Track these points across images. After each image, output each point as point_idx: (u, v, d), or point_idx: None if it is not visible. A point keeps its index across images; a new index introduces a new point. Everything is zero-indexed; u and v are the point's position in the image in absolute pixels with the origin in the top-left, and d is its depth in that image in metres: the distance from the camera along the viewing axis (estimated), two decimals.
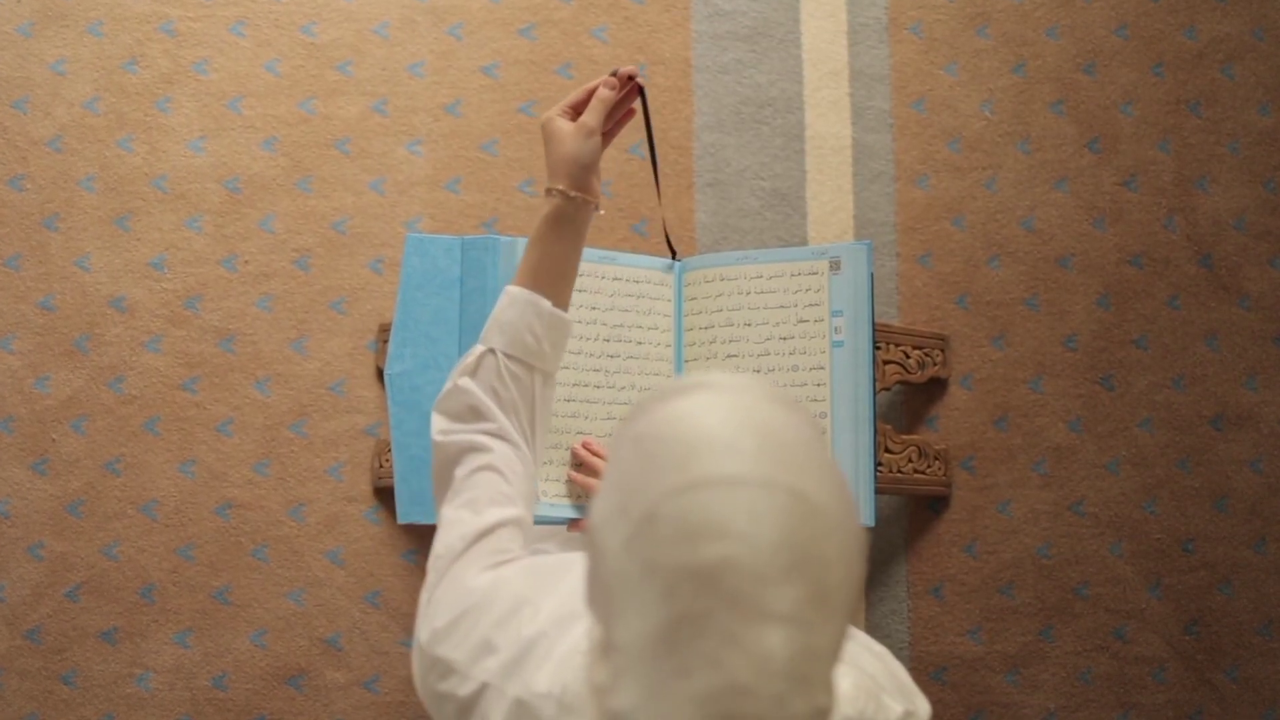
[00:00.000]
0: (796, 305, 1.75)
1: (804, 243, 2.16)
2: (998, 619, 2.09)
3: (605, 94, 1.49)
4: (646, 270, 1.82)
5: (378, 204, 2.17)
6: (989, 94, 2.20)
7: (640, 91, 1.55)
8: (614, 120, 1.54)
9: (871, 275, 1.73)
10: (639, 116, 1.58)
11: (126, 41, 2.19)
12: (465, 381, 1.40)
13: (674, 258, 1.77)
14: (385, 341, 2.02)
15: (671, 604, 0.89)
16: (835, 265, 1.74)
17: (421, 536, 2.10)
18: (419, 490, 1.74)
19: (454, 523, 1.31)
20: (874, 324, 1.73)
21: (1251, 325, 2.14)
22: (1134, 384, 2.13)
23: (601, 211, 1.50)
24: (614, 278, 1.79)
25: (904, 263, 2.16)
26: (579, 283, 1.74)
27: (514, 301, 1.44)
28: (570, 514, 1.73)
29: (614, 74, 1.51)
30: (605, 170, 2.16)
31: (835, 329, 1.73)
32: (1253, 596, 2.10)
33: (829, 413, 1.71)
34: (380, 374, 2.09)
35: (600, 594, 0.95)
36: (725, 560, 0.88)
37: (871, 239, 2.14)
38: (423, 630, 1.25)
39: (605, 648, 0.96)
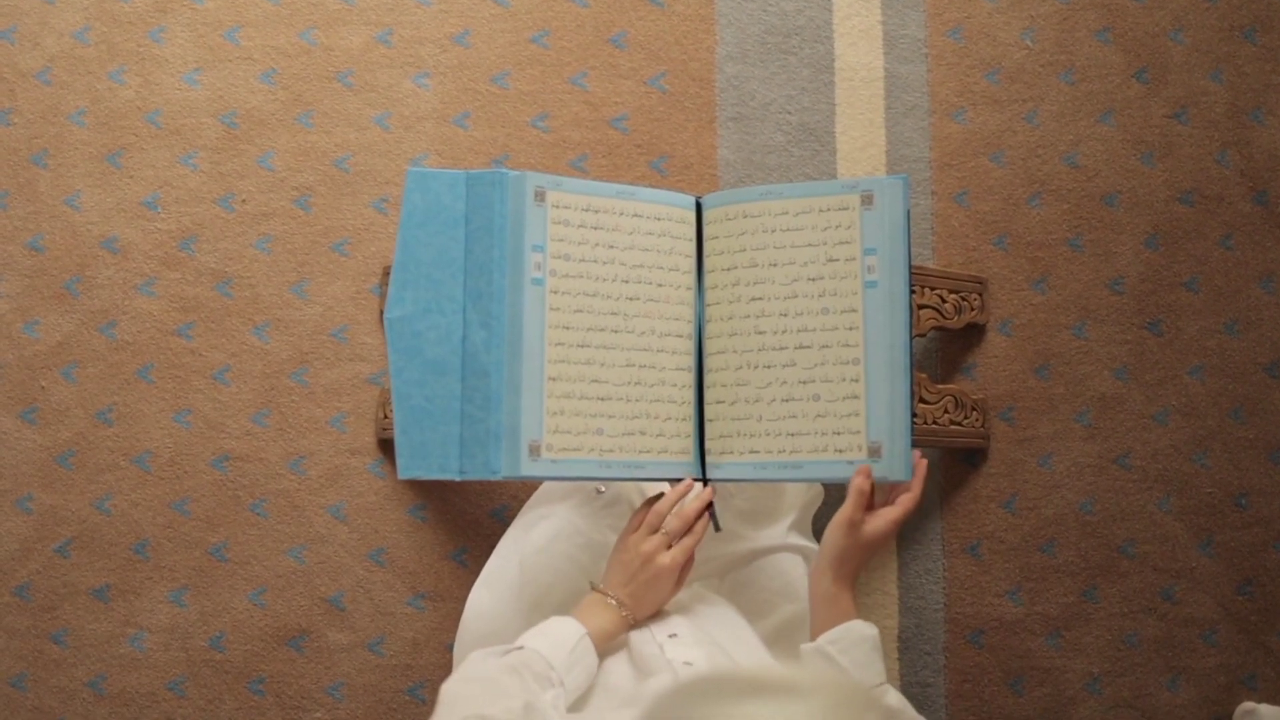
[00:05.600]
0: (825, 243, 1.53)
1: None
2: (1038, 579, 1.88)
3: (690, 544, 1.49)
4: (667, 207, 1.60)
5: (382, 140, 1.95)
6: (1030, 21, 1.96)
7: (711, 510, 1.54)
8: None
9: (908, 211, 1.50)
10: None
11: None
12: (479, 655, 1.36)
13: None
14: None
15: None
16: (867, 200, 1.51)
17: (428, 491, 1.89)
18: (420, 443, 1.52)
19: None
20: (910, 264, 1.50)
21: None
22: (1184, 329, 1.91)
23: (634, 628, 1.46)
24: (634, 214, 1.58)
25: (939, 201, 1.93)
26: (595, 219, 1.54)
27: (561, 619, 1.41)
28: (582, 471, 1.51)
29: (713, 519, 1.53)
30: (622, 105, 1.95)
31: (868, 268, 1.51)
32: None
33: (862, 359, 1.49)
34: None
35: None
36: None
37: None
38: None
39: None
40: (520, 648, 1.35)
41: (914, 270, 1.78)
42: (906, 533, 1.90)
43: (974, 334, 1.92)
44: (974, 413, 1.86)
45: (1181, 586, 1.89)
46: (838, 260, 1.51)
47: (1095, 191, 1.94)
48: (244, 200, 1.95)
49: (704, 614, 1.53)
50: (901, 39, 1.97)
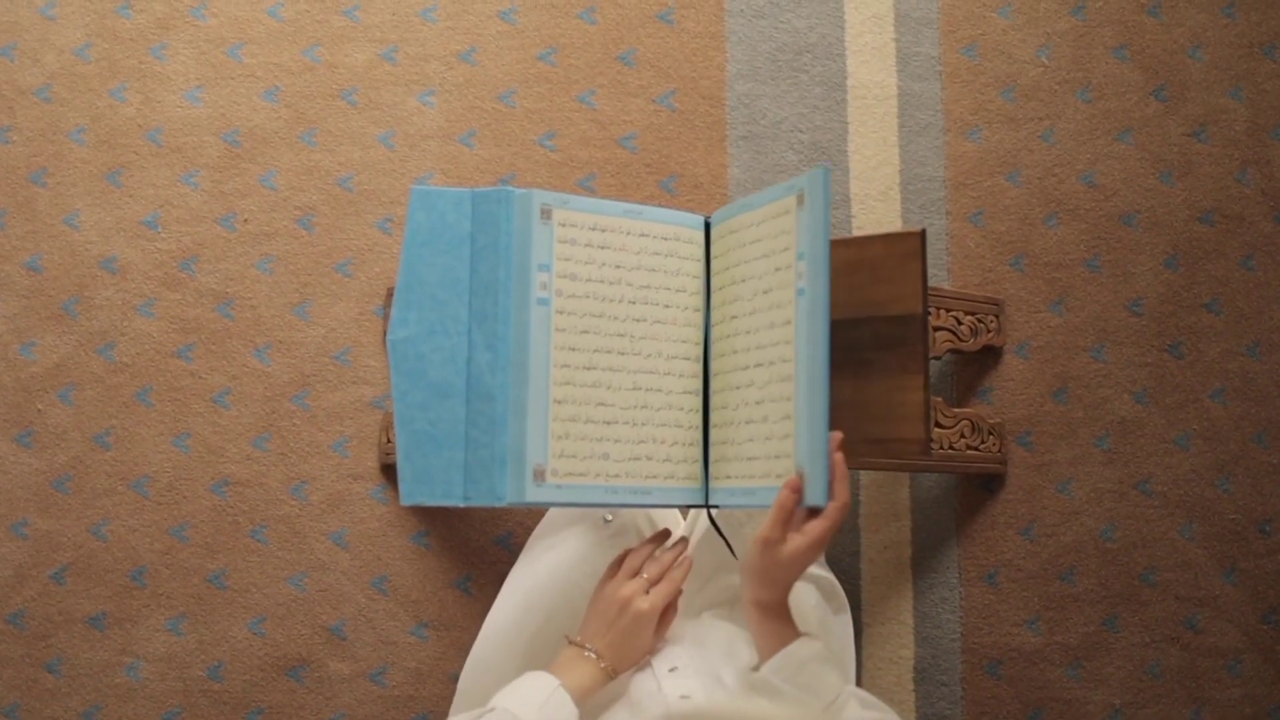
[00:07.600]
0: (774, 252, 1.40)
1: (846, 201, 1.86)
2: (1057, 608, 1.81)
3: (668, 590, 1.39)
4: (675, 227, 1.53)
5: (386, 159, 1.89)
6: (1046, 38, 1.90)
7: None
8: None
9: (828, 206, 1.36)
10: None
11: None
12: None
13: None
14: None
15: None
16: (801, 200, 1.39)
17: (431, 518, 1.82)
18: (424, 468, 1.45)
19: None
20: (830, 264, 1.35)
21: None
22: (1205, 351, 1.84)
23: (614, 678, 1.36)
24: (641, 234, 1.51)
25: (954, 221, 1.86)
26: (602, 239, 1.46)
27: (535, 674, 1.33)
28: (588, 498, 1.44)
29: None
30: (630, 123, 1.88)
31: (799, 275, 1.38)
32: None
33: (793, 375, 1.36)
34: None
35: None
36: None
37: (919, 196, 1.84)
38: None
39: None
40: (491, 709, 1.27)
41: (930, 292, 1.70)
42: (921, 560, 1.83)
43: (990, 357, 1.85)
44: (991, 437, 1.79)
45: (1204, 615, 1.82)
46: (782, 269, 1.39)
47: (1113, 211, 1.88)
48: (246, 220, 1.89)
49: (709, 642, 1.46)
50: (915, 56, 1.91)
